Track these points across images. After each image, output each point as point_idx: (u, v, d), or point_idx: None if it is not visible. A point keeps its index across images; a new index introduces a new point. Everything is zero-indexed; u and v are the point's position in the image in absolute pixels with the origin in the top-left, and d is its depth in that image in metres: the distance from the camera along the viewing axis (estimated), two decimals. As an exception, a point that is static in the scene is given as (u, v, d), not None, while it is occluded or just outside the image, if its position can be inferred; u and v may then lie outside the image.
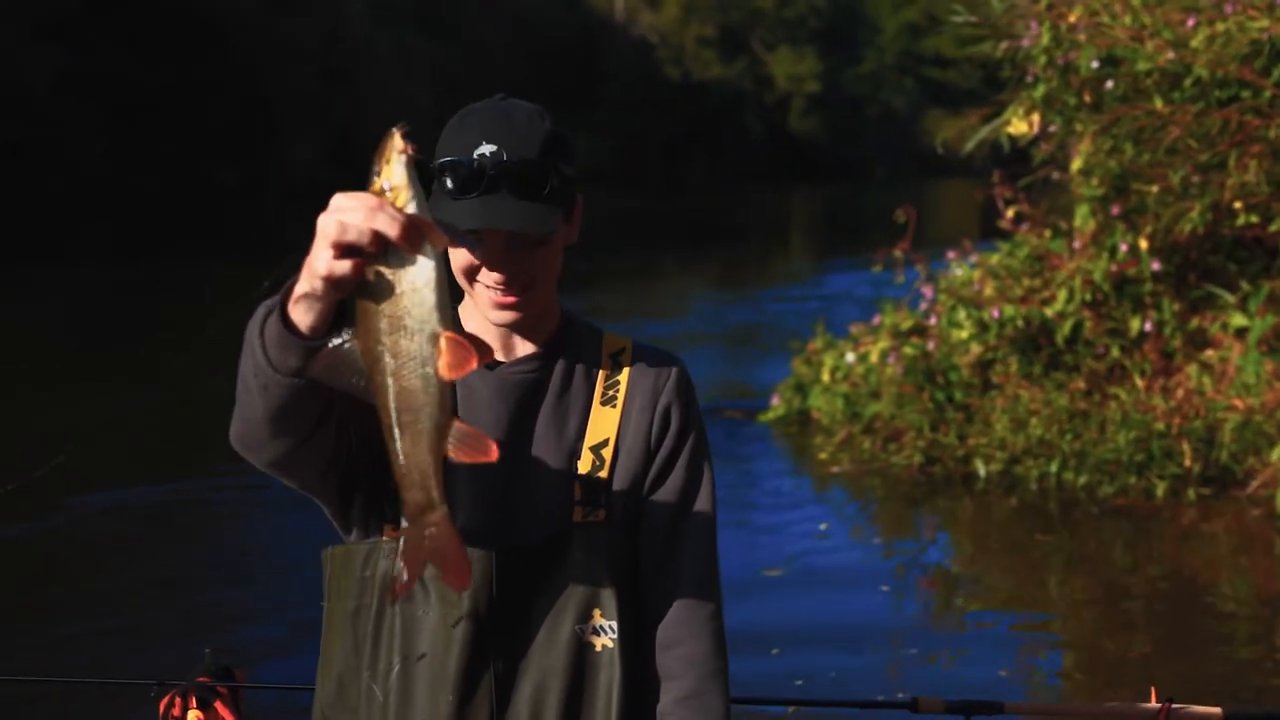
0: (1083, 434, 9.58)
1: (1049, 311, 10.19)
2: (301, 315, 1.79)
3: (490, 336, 2.33)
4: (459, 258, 2.25)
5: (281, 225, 38.00)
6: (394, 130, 1.73)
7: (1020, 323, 10.22)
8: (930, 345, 10.58)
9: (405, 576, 1.85)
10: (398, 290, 1.70)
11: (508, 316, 2.27)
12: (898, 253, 11.15)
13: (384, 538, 2.25)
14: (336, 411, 2.02)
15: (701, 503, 2.38)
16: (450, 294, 1.78)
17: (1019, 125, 10.04)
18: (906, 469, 10.12)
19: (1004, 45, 10.17)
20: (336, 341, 1.77)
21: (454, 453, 1.76)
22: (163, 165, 40.02)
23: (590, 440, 2.31)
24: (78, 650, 6.65)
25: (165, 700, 3.01)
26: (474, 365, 1.73)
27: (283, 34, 42.82)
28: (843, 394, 11.02)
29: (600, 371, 2.37)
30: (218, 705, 3.07)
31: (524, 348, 2.35)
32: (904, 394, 10.36)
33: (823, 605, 7.47)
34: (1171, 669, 6.42)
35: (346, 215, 1.67)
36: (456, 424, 1.76)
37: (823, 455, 10.70)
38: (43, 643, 6.75)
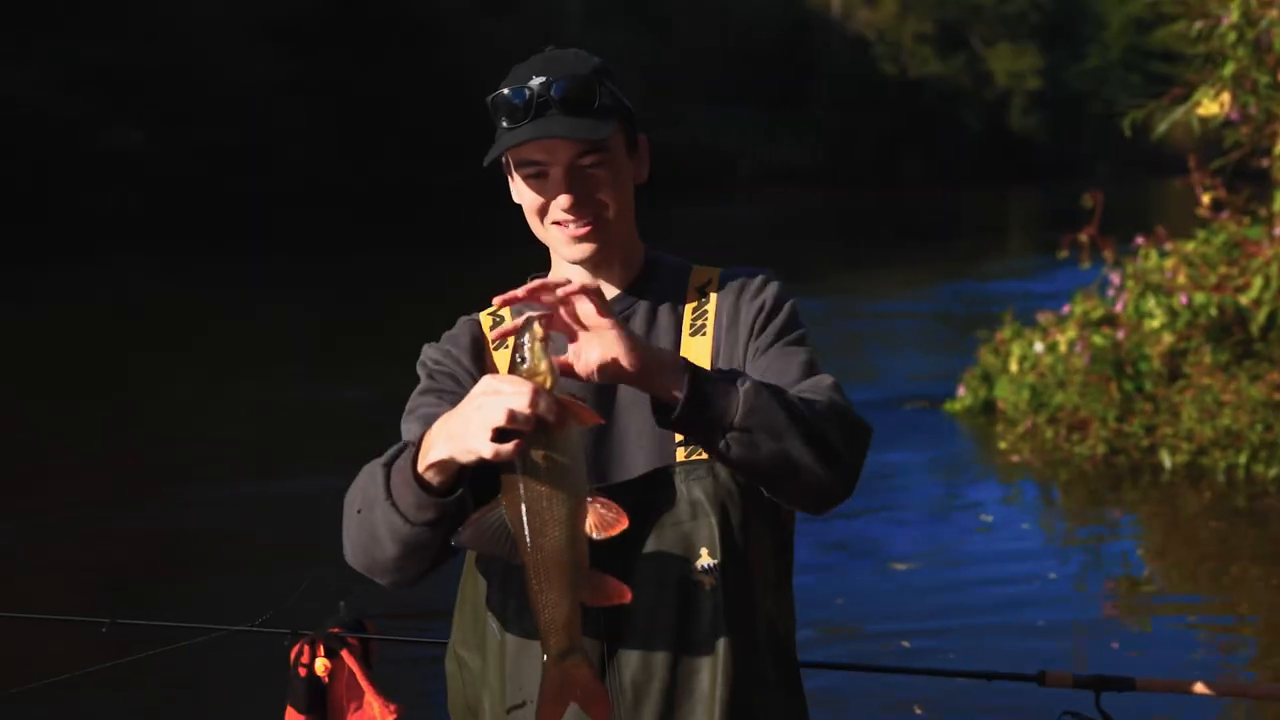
0: (1275, 425, 9.26)
1: (1244, 299, 9.86)
2: (433, 476, 1.97)
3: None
4: (527, 197, 2.30)
5: (506, 224, 38.63)
6: (531, 317, 1.90)
7: (1213, 310, 9.91)
8: (1120, 334, 10.34)
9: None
10: (547, 463, 1.86)
11: (584, 250, 2.29)
12: (1083, 238, 10.91)
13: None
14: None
15: (801, 354, 2.31)
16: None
17: (1209, 106, 9.71)
18: (1089, 459, 9.91)
19: (1199, 24, 9.87)
20: (479, 511, 1.92)
21: (589, 599, 1.93)
22: (384, 166, 41.04)
23: None
24: (222, 606, 6.94)
25: (296, 648, 3.10)
26: (624, 525, 1.91)
27: (497, 34, 43.53)
28: (1029, 384, 10.82)
29: (686, 304, 2.37)
30: (344, 654, 3.11)
31: (608, 291, 2.36)
32: (1090, 383, 10.14)
33: (998, 592, 7.41)
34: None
35: (512, 401, 1.81)
36: (595, 574, 1.93)
37: (1003, 445, 10.55)
38: (187, 598, 7.08)
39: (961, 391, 11.71)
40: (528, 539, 1.87)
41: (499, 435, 1.83)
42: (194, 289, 23.50)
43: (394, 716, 3.06)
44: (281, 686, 3.04)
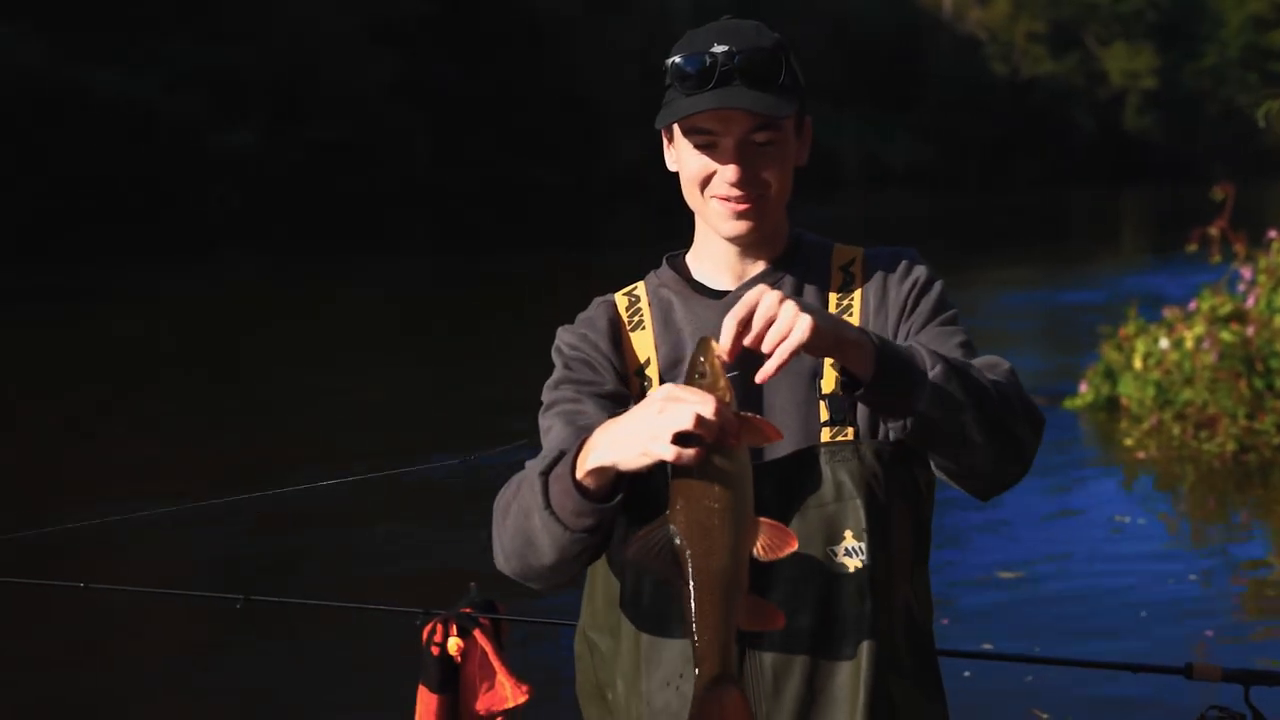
0: None
1: (1380, 295, 9.60)
2: (591, 483, 1.96)
3: (721, 262, 2.32)
4: (692, 165, 2.23)
5: (604, 221, 38.97)
6: (710, 338, 1.88)
7: (1349, 305, 9.66)
8: (1250, 331, 10.09)
9: None
10: (720, 478, 1.82)
11: (741, 227, 2.23)
12: (1213, 231, 10.65)
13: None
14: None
15: (958, 335, 2.25)
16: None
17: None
18: (1218, 457, 9.68)
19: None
20: (645, 528, 1.88)
21: (744, 623, 1.89)
22: (487, 166, 41.41)
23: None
24: (359, 583, 6.98)
25: (429, 628, 3.08)
26: (793, 547, 1.87)
27: (605, 35, 43.71)
28: (1154, 380, 10.59)
29: (832, 283, 2.30)
30: (476, 634, 3.09)
31: (753, 269, 2.31)
32: (1218, 380, 9.91)
33: (1124, 593, 7.21)
34: None
35: (700, 408, 1.78)
36: (751, 599, 1.89)
37: (1128, 441, 10.34)
38: (328, 575, 7.12)
39: (1083, 388, 11.53)
40: (694, 559, 1.84)
41: (680, 441, 1.80)
42: (305, 286, 23.88)
43: (525, 696, 3.04)
44: (414, 665, 3.01)
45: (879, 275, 2.30)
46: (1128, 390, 10.97)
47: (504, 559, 2.15)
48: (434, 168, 41.44)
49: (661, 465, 1.84)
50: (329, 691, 5.92)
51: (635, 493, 2.00)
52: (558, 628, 3.55)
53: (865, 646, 2.13)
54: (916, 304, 2.27)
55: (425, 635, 3.08)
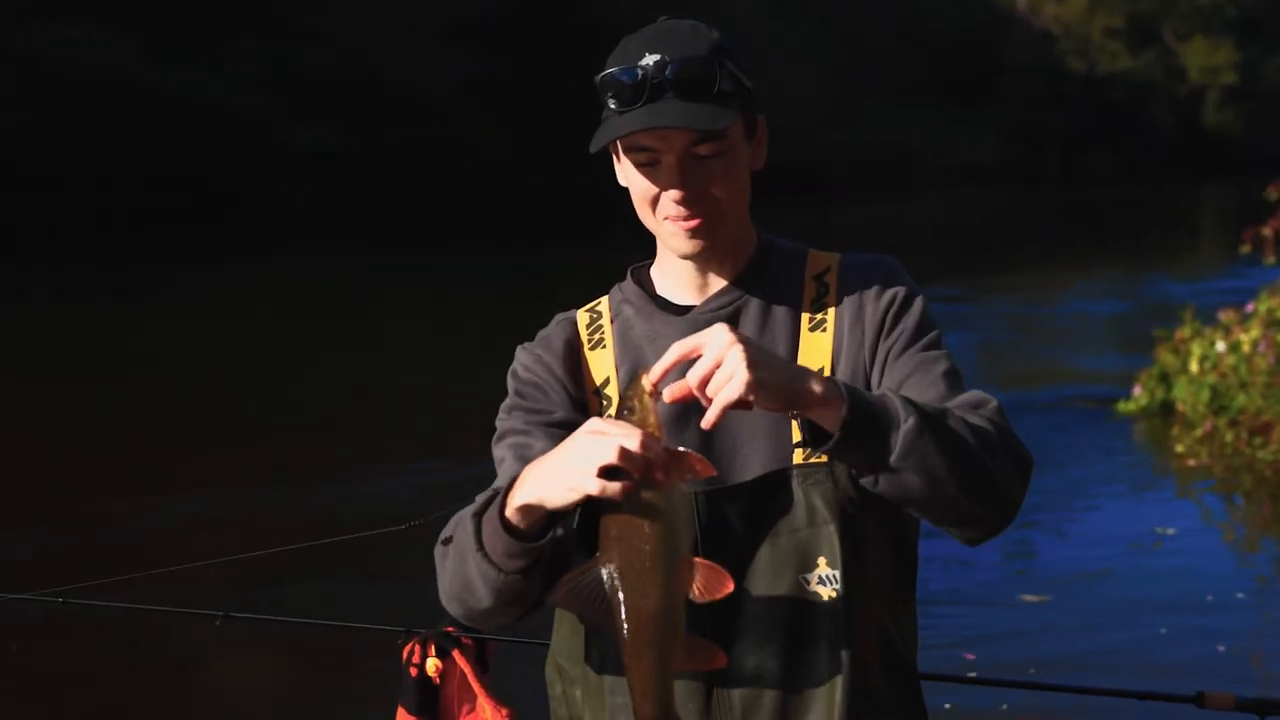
0: None
1: None
2: (520, 520, 1.90)
3: (682, 277, 2.20)
4: (640, 187, 2.12)
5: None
6: (642, 374, 1.83)
7: None
8: (1309, 334, 9.87)
9: None
10: (652, 516, 1.77)
11: (695, 245, 2.10)
12: (1266, 232, 10.40)
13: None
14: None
15: (942, 363, 2.12)
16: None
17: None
18: (1271, 465, 9.43)
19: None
20: (573, 571, 1.84)
21: (682, 663, 1.84)
22: (554, 166, 41.61)
23: None
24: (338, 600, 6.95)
25: (408, 648, 3.02)
26: (728, 589, 1.80)
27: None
28: (1210, 384, 10.36)
29: (805, 296, 2.17)
30: (455, 654, 3.03)
31: (716, 283, 2.19)
32: (1274, 385, 9.68)
33: (1170, 605, 6.97)
34: None
35: (624, 441, 1.73)
36: (689, 638, 1.83)
37: (1180, 448, 10.12)
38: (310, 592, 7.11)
39: (1138, 391, 11.31)
40: (625, 601, 1.79)
41: (606, 475, 1.74)
42: (383, 285, 24.10)
43: (506, 720, 2.97)
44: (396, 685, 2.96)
45: (855, 287, 2.16)
46: (1182, 394, 10.75)
47: (446, 601, 2.08)
48: (510, 167, 41.65)
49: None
50: (308, 712, 5.88)
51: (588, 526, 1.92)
52: (543, 648, 3.48)
53: (839, 680, 2.02)
54: (896, 323, 2.14)
55: (404, 655, 3.03)
